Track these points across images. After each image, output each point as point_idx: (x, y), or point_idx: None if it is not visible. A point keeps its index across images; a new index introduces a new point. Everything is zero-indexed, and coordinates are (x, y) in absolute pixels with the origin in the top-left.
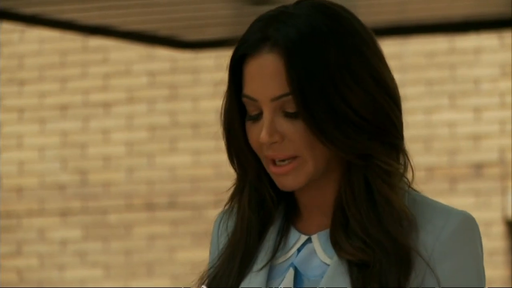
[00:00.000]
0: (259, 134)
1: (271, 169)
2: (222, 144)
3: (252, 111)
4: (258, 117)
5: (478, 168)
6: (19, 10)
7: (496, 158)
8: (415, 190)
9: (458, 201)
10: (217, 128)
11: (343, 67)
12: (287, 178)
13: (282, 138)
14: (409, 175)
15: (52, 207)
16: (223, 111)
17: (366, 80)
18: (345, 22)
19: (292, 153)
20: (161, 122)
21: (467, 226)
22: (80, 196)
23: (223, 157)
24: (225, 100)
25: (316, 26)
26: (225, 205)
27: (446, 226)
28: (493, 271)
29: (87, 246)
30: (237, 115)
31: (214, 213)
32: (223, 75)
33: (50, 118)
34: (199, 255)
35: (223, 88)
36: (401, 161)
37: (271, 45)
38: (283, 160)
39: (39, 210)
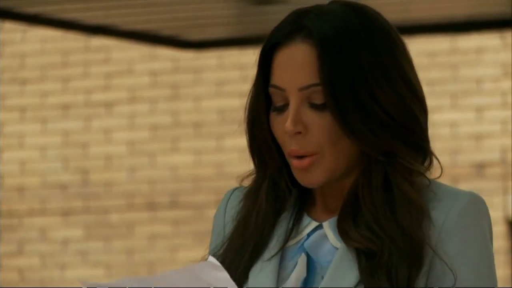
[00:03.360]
0: (284, 125)
1: (293, 163)
2: (223, 143)
3: (278, 101)
4: (283, 108)
5: (480, 168)
6: (21, 10)
7: (497, 158)
8: (432, 180)
9: None
10: (219, 128)
11: (374, 65)
12: (307, 175)
13: (306, 130)
14: (435, 174)
15: (53, 206)
16: (248, 102)
17: (396, 80)
18: (377, 23)
19: (314, 149)
20: (163, 122)
21: (475, 205)
22: (82, 196)
23: (225, 156)
24: (251, 91)
25: (350, 23)
26: (242, 201)
27: (455, 205)
28: None
29: (88, 245)
30: (263, 106)
31: (215, 212)
32: (225, 75)
33: (52, 117)
34: (201, 255)
35: (225, 87)
36: (426, 163)
37: (305, 35)
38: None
39: (41, 210)
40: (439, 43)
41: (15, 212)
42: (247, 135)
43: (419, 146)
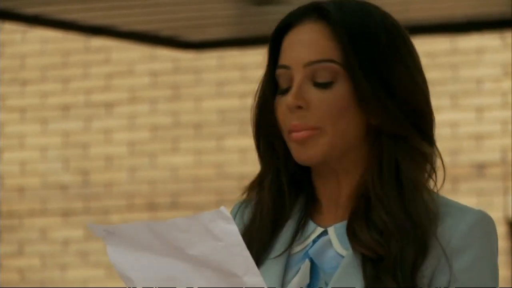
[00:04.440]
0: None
1: (293, 136)
2: (224, 144)
3: (283, 84)
4: (288, 90)
5: (480, 168)
6: (21, 10)
7: (498, 158)
8: (437, 193)
9: (460, 201)
10: (219, 128)
11: (392, 49)
12: (305, 150)
13: (307, 105)
14: (438, 181)
15: (54, 207)
16: (258, 88)
17: (413, 68)
18: (391, 19)
19: (314, 124)
20: (163, 122)
21: (483, 224)
22: (82, 196)
23: (225, 157)
24: (261, 80)
25: (367, 13)
26: (243, 193)
27: (463, 222)
28: None
29: (89, 246)
30: (272, 91)
31: None
32: (226, 75)
33: (52, 118)
34: None
35: (226, 88)
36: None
37: (317, 16)
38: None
39: (41, 210)
40: (439, 43)
41: (16, 213)
42: (254, 121)
43: (426, 133)
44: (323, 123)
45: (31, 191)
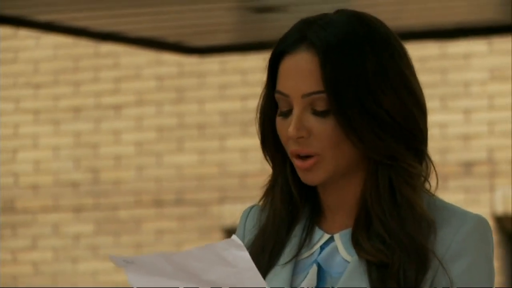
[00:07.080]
0: (287, 129)
1: (296, 163)
2: (226, 144)
3: (283, 107)
4: (288, 113)
5: (468, 167)
6: (35, 18)
7: (484, 157)
8: (434, 196)
9: (449, 198)
10: (222, 129)
11: (378, 72)
12: (309, 174)
13: (308, 134)
14: (432, 181)
15: (66, 203)
16: (259, 107)
17: (399, 87)
18: (382, 32)
19: (315, 150)
20: (169, 124)
21: (481, 228)
22: (92, 193)
23: (227, 156)
24: (261, 96)
25: (353, 33)
26: (259, 201)
27: (462, 227)
28: None
29: (99, 240)
30: (273, 111)
31: (218, 209)
32: (228, 79)
33: (64, 119)
34: None
35: (228, 91)
36: (424, 167)
37: (308, 45)
38: (307, 156)
39: (54, 206)
40: (429, 48)
41: (30, 209)
42: (259, 135)
43: (418, 150)
44: (323, 151)
45: (44, 189)
